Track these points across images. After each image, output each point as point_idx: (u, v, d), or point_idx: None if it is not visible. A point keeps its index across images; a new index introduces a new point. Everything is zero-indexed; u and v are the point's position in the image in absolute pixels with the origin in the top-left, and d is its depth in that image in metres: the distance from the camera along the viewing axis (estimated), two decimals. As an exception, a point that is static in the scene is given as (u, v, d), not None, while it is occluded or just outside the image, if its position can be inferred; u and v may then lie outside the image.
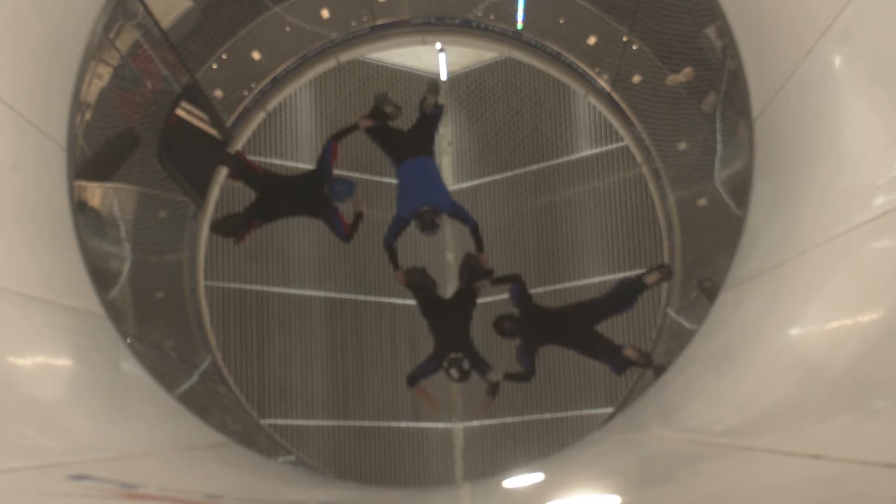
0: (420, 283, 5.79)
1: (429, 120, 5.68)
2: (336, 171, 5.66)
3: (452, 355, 5.46)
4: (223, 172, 7.42)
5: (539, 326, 5.68)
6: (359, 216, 5.72)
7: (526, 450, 8.40)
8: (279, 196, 5.54)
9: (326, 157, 5.54)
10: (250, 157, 7.88)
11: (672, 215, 7.15)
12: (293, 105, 8.33)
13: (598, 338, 5.58)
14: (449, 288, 8.60)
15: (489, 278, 5.82)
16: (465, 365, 5.44)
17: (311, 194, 5.47)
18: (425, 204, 5.31)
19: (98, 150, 5.48)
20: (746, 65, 3.62)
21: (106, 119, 5.45)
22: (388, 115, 5.58)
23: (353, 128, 5.63)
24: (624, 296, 5.62)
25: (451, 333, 5.67)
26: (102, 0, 3.79)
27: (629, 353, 5.37)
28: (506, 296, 6.03)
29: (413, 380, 5.74)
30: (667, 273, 5.60)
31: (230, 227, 5.54)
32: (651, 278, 5.52)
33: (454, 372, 5.44)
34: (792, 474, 1.66)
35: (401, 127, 5.78)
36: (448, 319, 5.74)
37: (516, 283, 5.83)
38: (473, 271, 5.82)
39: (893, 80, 2.10)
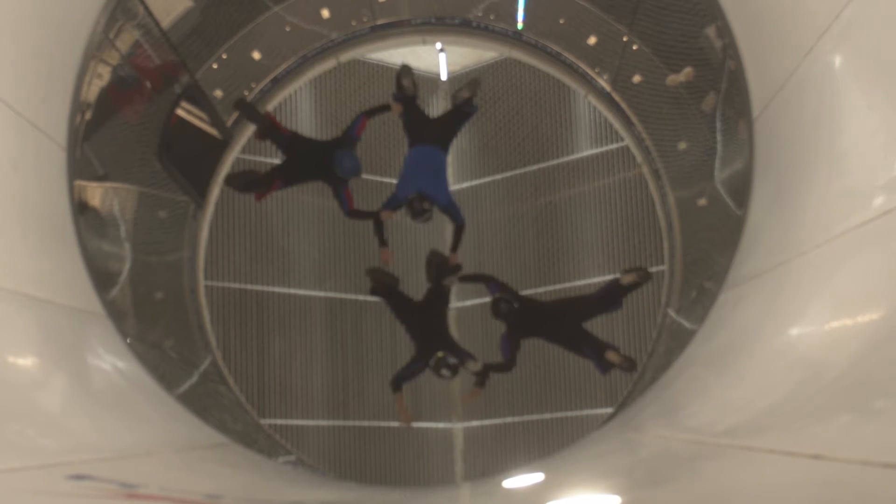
0: (384, 281, 5.76)
1: (458, 115, 5.68)
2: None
3: (438, 355, 5.44)
4: (234, 159, 7.41)
5: (528, 319, 5.67)
6: (378, 221, 5.64)
7: (526, 450, 8.39)
8: (303, 158, 5.57)
9: (353, 127, 5.57)
10: (250, 157, 7.94)
11: (672, 215, 7.15)
12: (293, 105, 8.32)
13: (585, 336, 5.58)
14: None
15: (457, 274, 5.80)
16: (452, 360, 5.43)
17: (330, 160, 5.49)
18: (419, 191, 5.35)
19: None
20: (746, 65, 3.62)
21: (106, 119, 5.45)
22: (403, 86, 5.57)
23: (386, 107, 5.61)
24: (611, 296, 5.62)
25: (430, 334, 5.65)
26: (102, 0, 3.80)
27: (611, 357, 5.36)
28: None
29: (397, 383, 5.69)
30: (643, 275, 5.60)
31: (244, 181, 5.59)
32: (627, 279, 5.53)
33: (445, 371, 5.43)
34: (792, 474, 1.66)
35: (430, 113, 5.78)
36: (423, 321, 5.72)
37: (490, 282, 5.80)
38: (440, 268, 5.78)
39: (893, 80, 2.10)
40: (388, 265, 5.81)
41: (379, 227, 5.63)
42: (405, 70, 5.55)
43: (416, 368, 5.66)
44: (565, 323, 5.63)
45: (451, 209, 5.59)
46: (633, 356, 6.06)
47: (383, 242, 5.68)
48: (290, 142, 5.58)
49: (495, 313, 5.67)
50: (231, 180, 5.70)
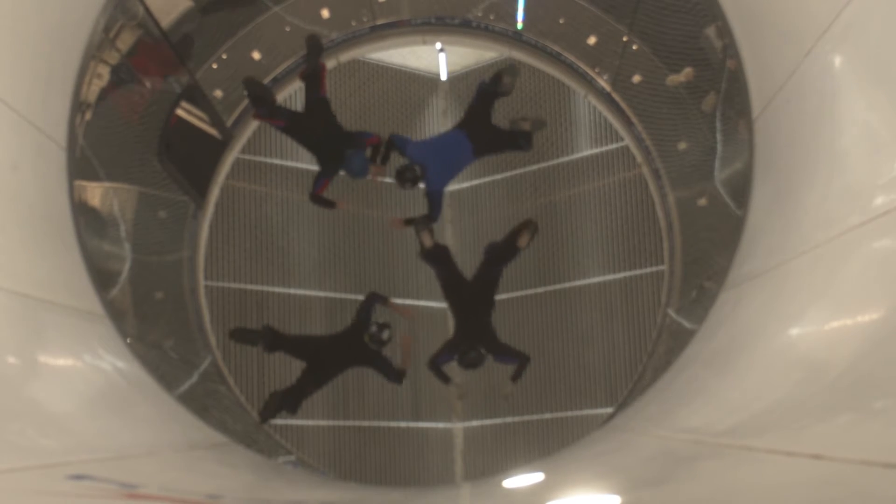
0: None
1: (510, 139, 5.82)
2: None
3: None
4: (223, 172, 7.44)
5: (477, 335, 5.74)
6: (331, 203, 5.88)
7: (526, 450, 8.39)
8: (316, 125, 5.72)
9: (365, 136, 5.76)
10: (251, 157, 7.94)
11: (672, 215, 7.14)
12: (293, 105, 8.30)
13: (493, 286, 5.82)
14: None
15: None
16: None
17: (334, 148, 5.63)
18: (425, 167, 5.44)
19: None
20: (746, 65, 3.62)
21: (106, 119, 5.44)
22: (503, 82, 5.60)
23: (386, 157, 5.82)
24: (496, 260, 5.76)
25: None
26: (102, 0, 3.80)
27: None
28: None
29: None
30: (533, 228, 5.75)
31: (258, 92, 5.70)
32: (523, 241, 5.69)
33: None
34: (792, 474, 1.66)
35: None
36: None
37: (442, 354, 5.88)
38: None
39: (893, 80, 2.10)
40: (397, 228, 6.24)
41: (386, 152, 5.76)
42: (512, 69, 5.63)
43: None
44: (485, 306, 5.81)
45: (434, 198, 5.62)
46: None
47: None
48: (306, 107, 5.70)
49: (467, 366, 5.71)
50: (248, 85, 5.79)
